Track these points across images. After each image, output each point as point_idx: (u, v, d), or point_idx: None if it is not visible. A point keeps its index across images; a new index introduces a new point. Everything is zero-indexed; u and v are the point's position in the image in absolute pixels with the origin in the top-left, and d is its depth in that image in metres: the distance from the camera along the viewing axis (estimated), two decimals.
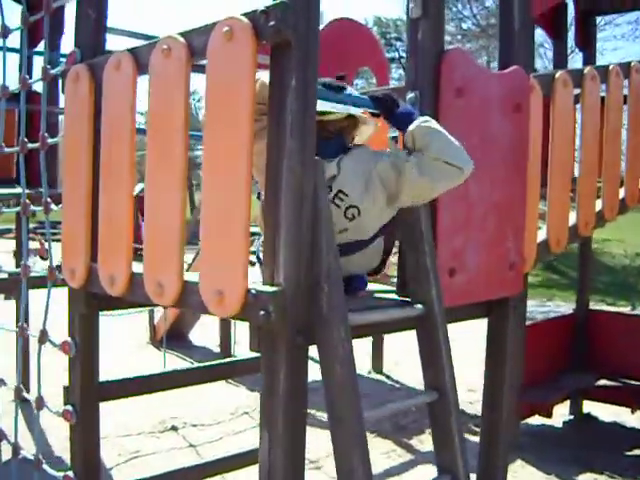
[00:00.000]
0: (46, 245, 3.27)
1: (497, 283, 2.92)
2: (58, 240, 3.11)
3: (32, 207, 3.33)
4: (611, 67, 4.07)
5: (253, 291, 2.15)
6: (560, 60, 6.04)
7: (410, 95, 2.58)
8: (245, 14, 2.18)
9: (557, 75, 3.47)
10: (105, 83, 2.73)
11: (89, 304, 3.05)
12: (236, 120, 2.18)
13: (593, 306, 6.82)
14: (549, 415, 5.61)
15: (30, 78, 3.38)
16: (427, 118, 2.44)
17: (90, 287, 2.89)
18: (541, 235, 3.38)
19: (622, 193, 4.20)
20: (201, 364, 4.78)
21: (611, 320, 6.29)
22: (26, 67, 3.46)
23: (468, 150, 2.54)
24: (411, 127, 2.42)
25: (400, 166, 2.41)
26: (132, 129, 2.65)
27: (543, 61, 19.38)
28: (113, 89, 2.70)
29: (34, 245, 14.93)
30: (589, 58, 6.10)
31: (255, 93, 2.18)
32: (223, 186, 2.22)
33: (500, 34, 3.06)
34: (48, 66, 3.12)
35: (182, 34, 2.42)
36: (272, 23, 2.10)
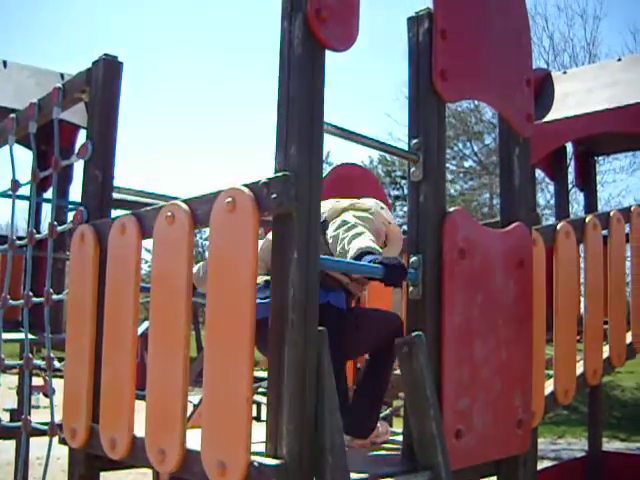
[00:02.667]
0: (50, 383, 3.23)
1: (505, 442, 2.85)
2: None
3: (35, 362, 3.31)
4: (612, 213, 4.12)
5: (256, 464, 2.11)
6: (561, 199, 6.13)
7: (413, 259, 2.59)
8: (247, 185, 2.22)
9: (559, 226, 3.51)
10: (110, 245, 2.75)
11: (90, 465, 2.97)
12: (237, 289, 2.19)
13: (606, 443, 6.63)
14: None
15: (39, 222, 3.41)
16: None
17: (91, 448, 2.83)
18: (549, 386, 3.33)
19: (629, 338, 4.17)
20: None
21: (627, 462, 6.06)
22: (34, 218, 3.50)
23: (473, 312, 2.58)
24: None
25: None
26: (136, 292, 2.65)
27: (545, 194, 19.69)
28: (118, 252, 2.72)
29: (38, 382, 14.81)
30: (590, 197, 6.20)
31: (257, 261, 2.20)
32: (225, 355, 2.20)
33: (501, 191, 3.10)
34: (55, 222, 3.16)
35: (186, 201, 2.46)
36: (274, 195, 2.13)
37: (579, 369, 3.57)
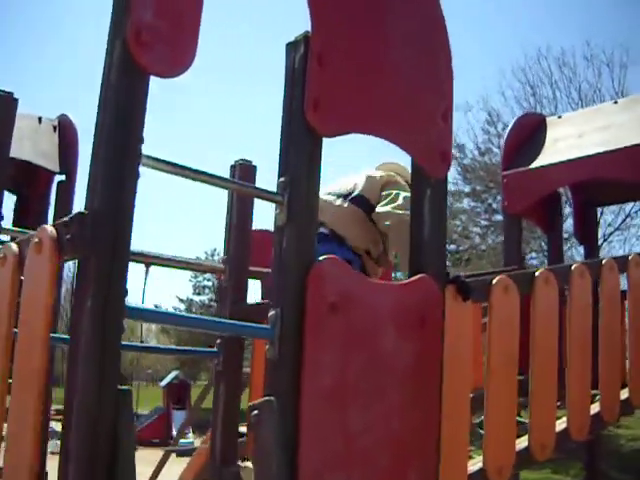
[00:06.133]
0: None
1: None
2: None
3: None
4: (604, 261, 3.72)
5: None
6: (555, 253, 5.62)
7: (271, 313, 2.26)
8: (54, 224, 1.99)
9: (538, 273, 3.22)
10: None
11: None
12: (32, 337, 2.00)
13: None
14: None
15: None
16: None
17: None
18: (478, 462, 2.93)
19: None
20: None
21: None
22: None
23: (350, 375, 2.25)
24: None
25: None
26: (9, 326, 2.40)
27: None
28: None
29: (56, 427, 14.82)
30: (590, 251, 5.70)
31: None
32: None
33: (411, 239, 2.76)
34: None
35: (17, 243, 2.25)
36: (68, 237, 1.89)
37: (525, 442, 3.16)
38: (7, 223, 4.91)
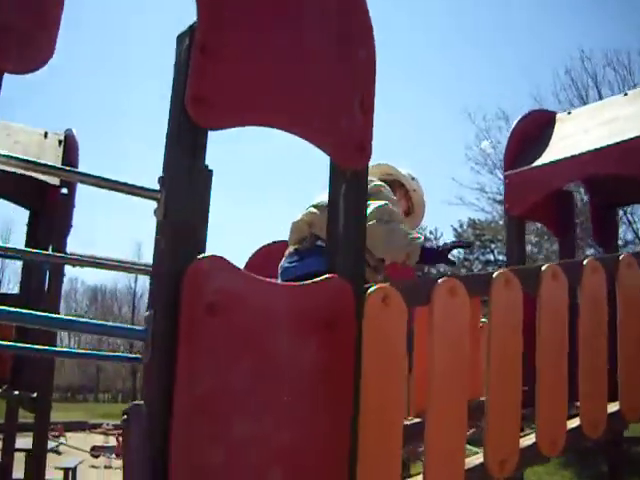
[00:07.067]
0: None
1: None
2: None
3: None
4: (587, 261, 3.44)
5: None
6: (566, 256, 5.25)
7: (146, 314, 2.15)
8: None
9: (495, 275, 2.99)
10: None
11: None
12: None
13: None
14: None
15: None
16: None
17: None
18: None
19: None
20: None
21: None
22: None
23: (233, 381, 2.12)
24: None
25: None
26: None
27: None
28: None
29: (112, 441, 15.18)
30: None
31: None
32: None
33: (327, 238, 2.61)
34: None
35: None
36: None
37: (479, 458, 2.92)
38: (21, 237, 5.03)
